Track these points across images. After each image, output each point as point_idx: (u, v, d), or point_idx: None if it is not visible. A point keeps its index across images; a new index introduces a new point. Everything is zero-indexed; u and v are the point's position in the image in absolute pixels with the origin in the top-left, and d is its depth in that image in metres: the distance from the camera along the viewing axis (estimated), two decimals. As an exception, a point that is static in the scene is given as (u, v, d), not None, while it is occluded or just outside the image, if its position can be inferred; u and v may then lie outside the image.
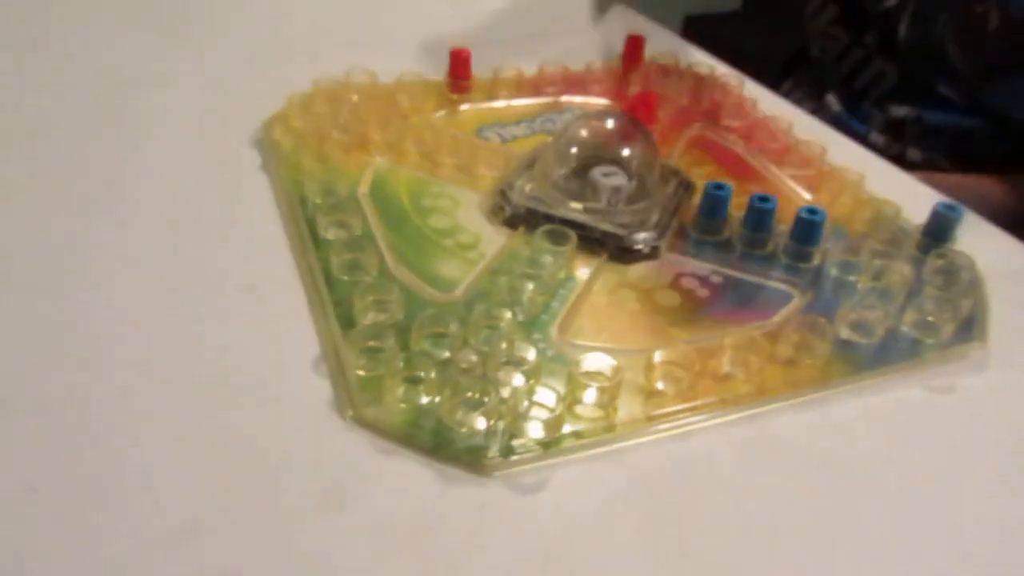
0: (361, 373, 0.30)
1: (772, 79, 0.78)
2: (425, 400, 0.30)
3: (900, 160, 0.64)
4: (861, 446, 0.31)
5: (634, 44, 0.53)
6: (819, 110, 0.70)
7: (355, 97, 0.46)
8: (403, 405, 0.29)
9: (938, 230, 0.40)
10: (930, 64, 0.63)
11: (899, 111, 0.64)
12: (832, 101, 0.69)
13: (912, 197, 0.43)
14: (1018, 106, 0.59)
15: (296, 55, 0.53)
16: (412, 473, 0.28)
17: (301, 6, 0.62)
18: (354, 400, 0.29)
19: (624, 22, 0.60)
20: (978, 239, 0.41)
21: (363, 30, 0.58)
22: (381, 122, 0.44)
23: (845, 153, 0.48)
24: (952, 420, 0.33)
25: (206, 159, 0.43)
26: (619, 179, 0.39)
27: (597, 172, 0.40)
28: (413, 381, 0.30)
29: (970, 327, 0.36)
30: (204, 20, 0.59)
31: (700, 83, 0.52)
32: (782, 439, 0.31)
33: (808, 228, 0.38)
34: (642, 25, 0.63)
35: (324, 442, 0.29)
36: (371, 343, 0.31)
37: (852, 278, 0.38)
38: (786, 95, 0.74)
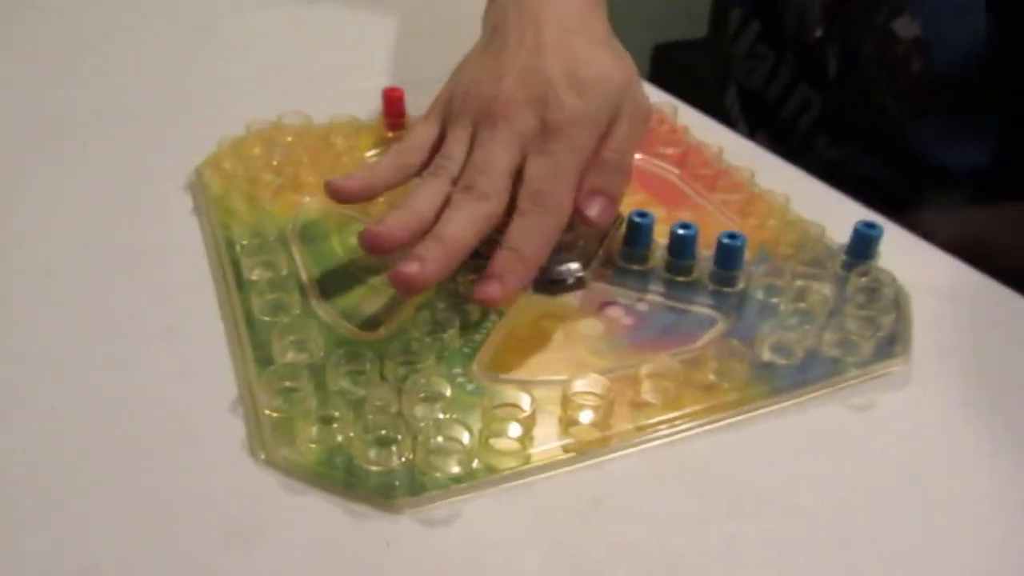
0: (273, 414, 0.30)
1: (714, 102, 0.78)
2: (339, 439, 0.30)
3: None
4: (778, 467, 0.31)
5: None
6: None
7: (288, 139, 0.47)
8: (314, 445, 0.29)
9: (860, 248, 0.40)
10: (857, 99, 0.63)
11: (829, 153, 0.64)
12: (762, 141, 0.69)
13: (840, 217, 0.44)
14: (938, 150, 0.60)
15: (230, 99, 0.54)
16: (321, 512, 0.28)
17: (235, 51, 0.62)
18: (266, 441, 0.29)
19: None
20: (903, 254, 0.42)
21: (297, 74, 0.58)
22: (313, 163, 0.45)
23: (776, 176, 0.48)
24: (872, 437, 0.33)
25: (136, 204, 0.43)
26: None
27: None
28: (327, 420, 0.30)
29: (892, 344, 0.36)
30: (138, 64, 0.59)
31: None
32: (698, 463, 0.31)
33: (729, 253, 0.39)
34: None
35: (235, 483, 0.29)
36: (287, 383, 0.31)
37: (775, 300, 0.38)
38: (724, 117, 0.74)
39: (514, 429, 0.30)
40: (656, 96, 0.55)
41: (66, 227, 0.41)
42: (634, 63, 0.42)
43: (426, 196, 0.37)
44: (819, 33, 0.63)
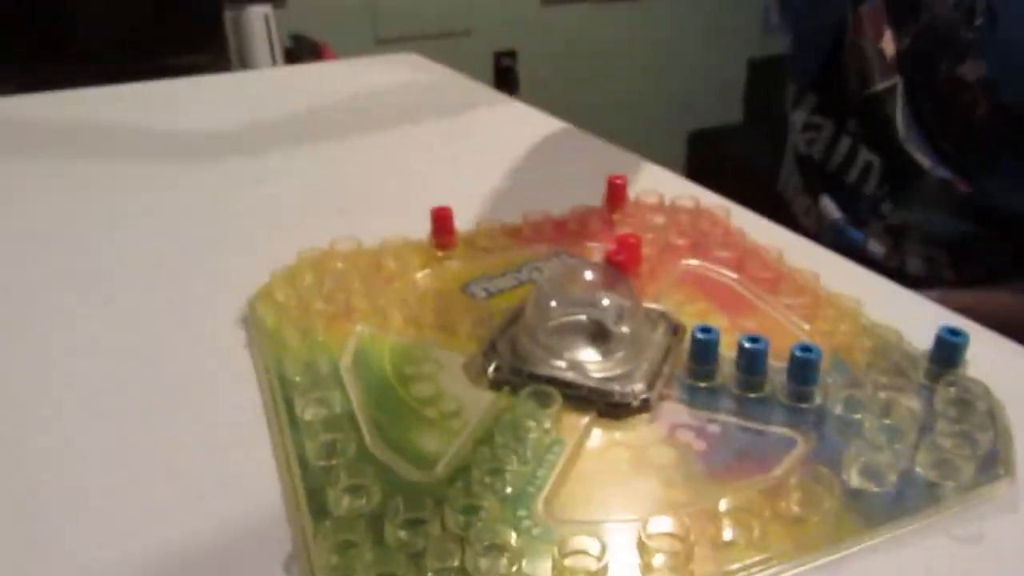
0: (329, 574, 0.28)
1: (770, 185, 0.78)
2: (401, 599, 0.28)
3: (901, 272, 0.62)
4: (884, 615, 0.28)
5: (615, 187, 0.53)
6: (814, 211, 0.69)
7: (339, 264, 0.47)
8: (375, 609, 0.27)
9: (945, 356, 0.38)
10: (929, 152, 0.61)
11: (895, 217, 0.63)
12: (828, 205, 0.67)
13: (914, 319, 0.42)
14: (1012, 195, 0.57)
15: (281, 229, 0.54)
16: None
17: (285, 181, 0.63)
18: (323, 607, 0.28)
19: (605, 159, 0.60)
20: (992, 359, 0.39)
21: (346, 199, 0.59)
22: (364, 288, 0.44)
23: (841, 274, 0.46)
24: (984, 573, 0.30)
25: (189, 342, 0.43)
26: (625, 324, 0.38)
27: (603, 321, 0.39)
28: (387, 579, 0.28)
29: (993, 463, 0.33)
30: (189, 202, 0.61)
31: (686, 217, 0.52)
32: (794, 614, 0.28)
33: (803, 367, 0.36)
34: (623, 160, 0.63)
35: (292, 657, 0.27)
36: (345, 537, 0.30)
37: (857, 416, 0.36)
38: (783, 186, 0.73)
39: (588, 580, 0.28)
40: (707, 198, 0.54)
41: (116, 369, 0.41)
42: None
43: None
44: (880, 86, 0.62)
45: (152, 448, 0.36)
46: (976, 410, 0.35)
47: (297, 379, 0.38)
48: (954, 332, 0.38)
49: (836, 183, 0.67)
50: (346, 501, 0.32)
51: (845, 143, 0.66)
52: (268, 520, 0.32)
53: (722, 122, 1.97)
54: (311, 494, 0.32)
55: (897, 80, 0.61)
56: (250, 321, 0.43)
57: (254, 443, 0.36)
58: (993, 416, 0.35)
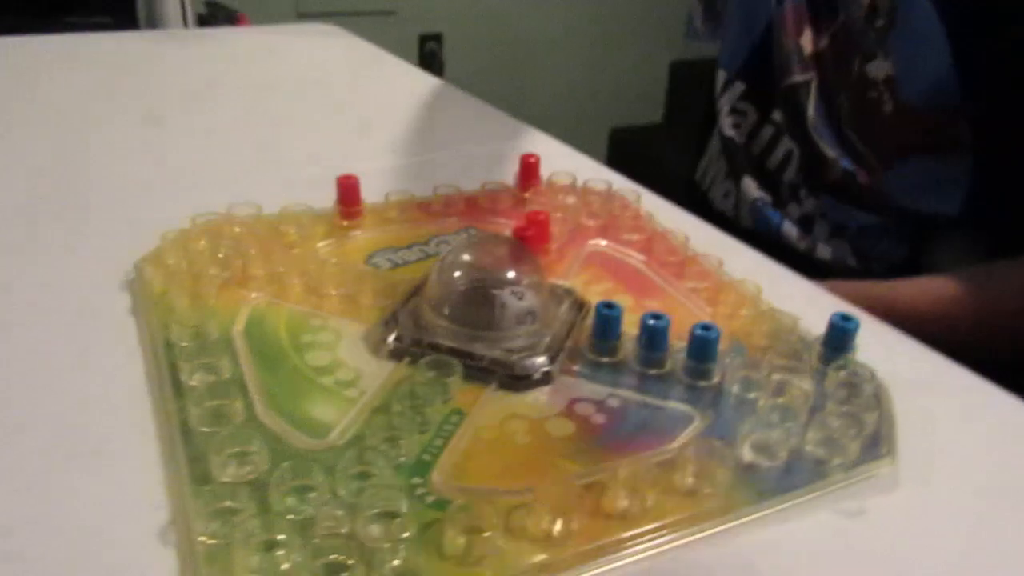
0: (208, 541, 0.27)
1: (687, 183, 0.79)
2: (284, 567, 0.26)
3: (810, 256, 0.64)
4: (769, 584, 0.28)
5: (528, 165, 0.53)
6: (733, 194, 0.71)
7: (236, 230, 0.44)
8: (254, 576, 0.26)
9: (837, 341, 0.39)
10: (835, 144, 0.63)
11: (809, 203, 0.65)
12: (749, 185, 0.69)
13: (811, 306, 0.43)
14: (912, 193, 0.60)
15: (177, 192, 0.52)
16: (261, 659, 0.24)
17: (183, 141, 0.60)
18: (199, 574, 0.26)
19: (521, 141, 0.60)
20: (882, 346, 0.41)
21: (246, 165, 0.56)
22: (263, 255, 0.42)
23: (744, 261, 0.47)
24: (864, 546, 0.30)
25: (69, 305, 0.40)
26: (529, 298, 0.38)
27: (506, 294, 0.38)
28: (270, 546, 0.27)
29: (877, 444, 0.34)
30: (80, 154, 0.57)
31: (597, 200, 0.52)
32: (683, 583, 0.28)
33: (703, 345, 0.37)
34: (539, 141, 0.63)
35: (162, 628, 0.25)
36: (227, 503, 0.28)
37: (753, 395, 0.36)
38: (702, 175, 0.75)
39: (479, 548, 0.27)
40: (619, 182, 0.55)
41: (-11, 328, 0.38)
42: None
43: None
44: (796, 79, 0.64)
45: (30, 411, 0.33)
46: (863, 393, 0.36)
47: (184, 344, 0.36)
48: (846, 318, 0.39)
49: (758, 166, 0.68)
50: (231, 469, 0.30)
51: (768, 131, 0.68)
52: (146, 488, 0.30)
53: (643, 121, 2.00)
54: (193, 461, 0.30)
55: (812, 76, 0.63)
56: (136, 285, 0.41)
57: (135, 410, 0.33)
58: (879, 399, 0.36)
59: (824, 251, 0.64)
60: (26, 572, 0.26)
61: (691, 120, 0.89)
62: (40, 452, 0.31)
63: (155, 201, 0.50)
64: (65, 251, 0.45)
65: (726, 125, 0.72)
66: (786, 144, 0.67)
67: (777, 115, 0.68)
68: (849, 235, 0.63)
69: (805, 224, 0.65)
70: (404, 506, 0.28)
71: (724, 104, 0.73)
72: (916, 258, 0.61)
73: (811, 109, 0.64)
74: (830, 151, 0.63)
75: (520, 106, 0.68)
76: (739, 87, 0.72)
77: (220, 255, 0.42)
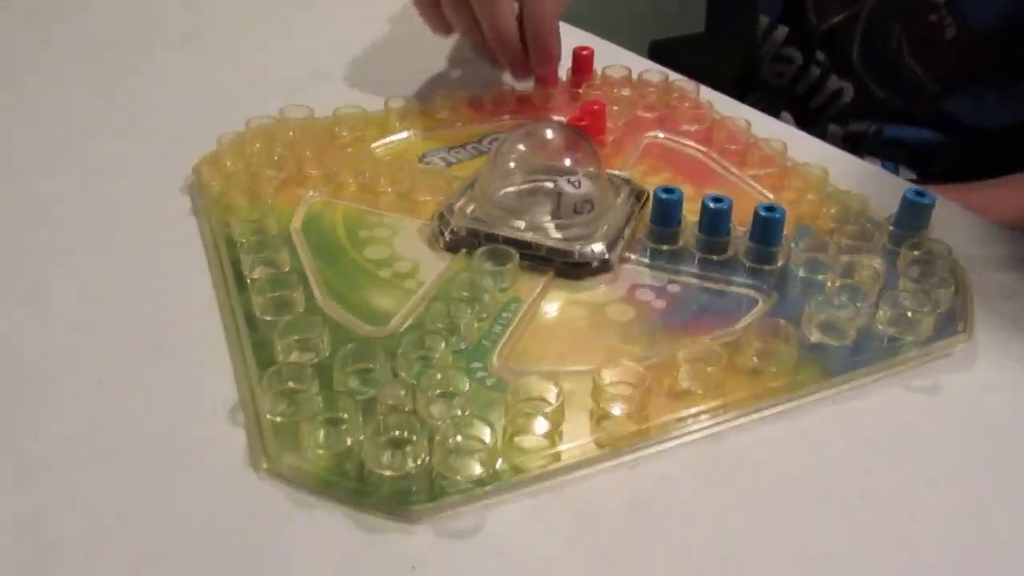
0: (276, 419, 0.28)
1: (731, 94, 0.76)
2: (349, 443, 0.27)
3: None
4: (837, 460, 0.28)
5: (582, 58, 0.51)
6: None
7: (291, 133, 0.44)
8: (321, 451, 0.26)
9: (910, 219, 0.37)
10: (887, 79, 0.60)
11: (859, 126, 0.62)
12: (787, 118, 0.66)
13: (880, 189, 0.41)
14: (979, 116, 0.57)
15: (230, 99, 0.51)
16: (332, 529, 0.25)
17: (232, 52, 0.60)
18: (268, 450, 0.27)
19: (574, 42, 0.58)
20: (954, 226, 0.39)
21: (297, 71, 0.56)
22: (317, 156, 0.42)
23: (807, 150, 0.45)
24: (939, 423, 0.29)
25: (132, 207, 0.41)
26: (586, 187, 0.37)
27: (563, 182, 0.37)
28: (334, 423, 0.27)
29: (952, 320, 0.33)
30: (133, 68, 0.57)
31: (654, 91, 0.50)
32: (748, 458, 0.28)
33: (767, 226, 0.35)
34: (592, 42, 0.61)
35: (236, 500, 0.26)
36: (291, 385, 0.29)
37: (820, 277, 0.35)
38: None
39: (541, 425, 0.28)
40: (675, 76, 0.52)
41: (59, 236, 0.39)
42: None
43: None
44: (839, 17, 0.61)
45: (99, 316, 0.34)
46: (938, 269, 0.35)
47: (244, 240, 0.36)
48: (920, 193, 0.37)
49: (798, 104, 0.66)
50: (295, 354, 0.30)
51: (814, 72, 0.65)
52: (213, 375, 0.30)
53: (684, 32, 1.92)
54: (258, 347, 0.31)
55: (858, 9, 0.60)
56: (195, 188, 0.41)
57: (200, 303, 0.34)
58: (954, 275, 0.35)
59: (873, 164, 0.61)
60: (108, 456, 0.27)
61: (733, 29, 0.84)
62: (113, 347, 0.32)
63: (208, 109, 0.50)
64: (125, 161, 0.45)
65: (770, 74, 0.69)
66: (835, 83, 0.64)
67: (821, 55, 0.65)
68: (903, 151, 0.60)
69: (852, 144, 0.61)
70: (465, 386, 0.28)
71: (767, 51, 0.69)
72: (978, 166, 0.57)
73: (856, 48, 0.60)
74: (879, 91, 0.59)
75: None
76: (782, 31, 0.68)
77: (275, 156, 0.42)
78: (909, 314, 0.32)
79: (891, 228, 0.37)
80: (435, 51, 0.58)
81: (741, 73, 0.75)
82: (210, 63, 0.58)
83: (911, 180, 0.60)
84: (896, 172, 0.60)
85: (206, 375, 0.31)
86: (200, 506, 0.26)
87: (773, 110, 0.68)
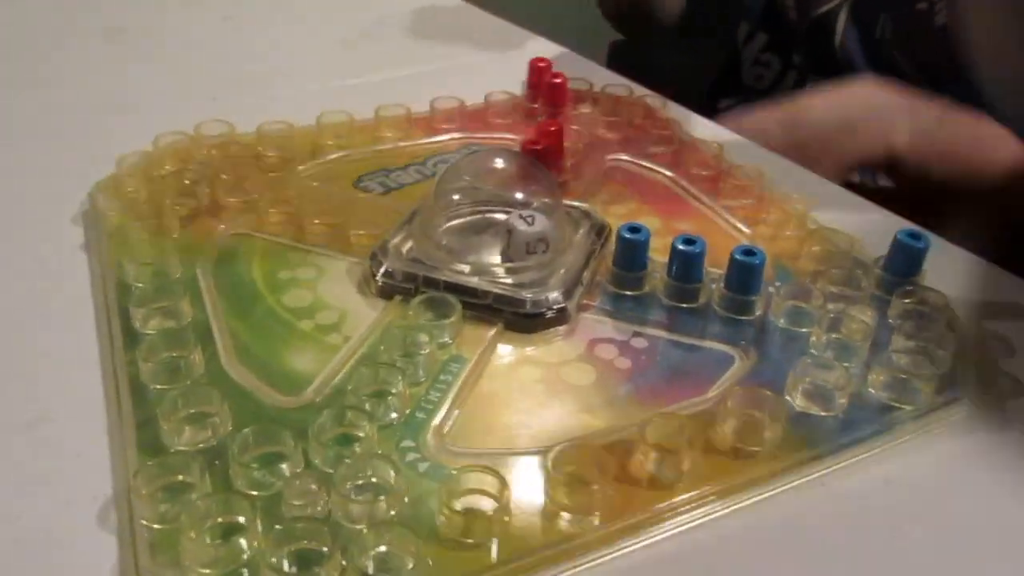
0: (153, 525, 0.22)
1: (700, 103, 0.74)
2: (245, 557, 0.22)
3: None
4: (828, 553, 0.24)
5: (538, 69, 0.46)
6: None
7: (206, 152, 0.39)
8: (208, 570, 0.21)
9: (902, 264, 0.33)
10: (872, 70, 0.57)
11: None
12: None
13: (868, 225, 0.37)
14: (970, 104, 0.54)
15: (139, 112, 0.46)
16: (217, 671, 0.20)
17: (147, 56, 0.54)
18: (141, 566, 0.22)
19: (529, 50, 0.53)
20: (949, 271, 0.35)
21: (218, 81, 0.50)
22: (236, 181, 0.37)
23: (788, 174, 0.41)
24: (941, 504, 0.25)
25: (13, 241, 0.35)
26: (541, 223, 0.32)
27: (514, 218, 0.32)
28: (228, 531, 0.22)
29: (952, 382, 0.29)
30: (34, 70, 0.51)
31: (617, 107, 0.46)
32: (727, 555, 0.23)
33: (745, 273, 0.31)
34: (546, 50, 0.56)
35: (99, 632, 0.21)
36: (178, 477, 0.24)
37: (804, 330, 0.31)
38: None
39: (483, 526, 0.23)
40: (638, 90, 0.48)
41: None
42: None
43: None
44: (823, 8, 0.58)
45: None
46: (935, 323, 0.31)
47: (139, 285, 0.31)
48: (914, 236, 0.33)
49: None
50: (187, 433, 0.25)
51: (791, 77, 0.64)
52: (88, 460, 0.25)
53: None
54: (142, 426, 0.26)
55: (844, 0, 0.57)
56: (89, 217, 0.36)
57: (82, 365, 0.29)
58: (954, 330, 0.31)
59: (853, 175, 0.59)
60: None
61: (700, 25, 0.82)
62: (-28, 416, 0.27)
63: (114, 121, 0.45)
64: (12, 178, 0.40)
65: (749, 77, 0.67)
66: (813, 83, 0.61)
67: (798, 59, 0.62)
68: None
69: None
70: (392, 477, 0.23)
71: (747, 55, 0.67)
72: None
73: (838, 36, 0.58)
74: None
75: (506, 17, 0.61)
76: (762, 38, 0.66)
77: (187, 181, 0.37)
78: (904, 377, 0.28)
79: (881, 273, 0.33)
80: (375, 59, 0.53)
81: (720, 75, 0.72)
82: (128, 64, 0.52)
83: (906, 219, 0.57)
84: (874, 180, 0.57)
85: (77, 458, 0.25)
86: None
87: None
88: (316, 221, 0.36)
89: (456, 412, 0.27)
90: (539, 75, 0.46)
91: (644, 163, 0.42)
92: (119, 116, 0.45)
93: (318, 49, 0.55)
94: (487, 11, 0.63)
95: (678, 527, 0.24)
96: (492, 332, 0.31)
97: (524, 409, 0.28)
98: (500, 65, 0.51)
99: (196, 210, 0.36)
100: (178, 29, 0.58)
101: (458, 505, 0.23)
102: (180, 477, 0.24)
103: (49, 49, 0.54)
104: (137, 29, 0.57)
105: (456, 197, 0.34)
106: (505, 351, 0.30)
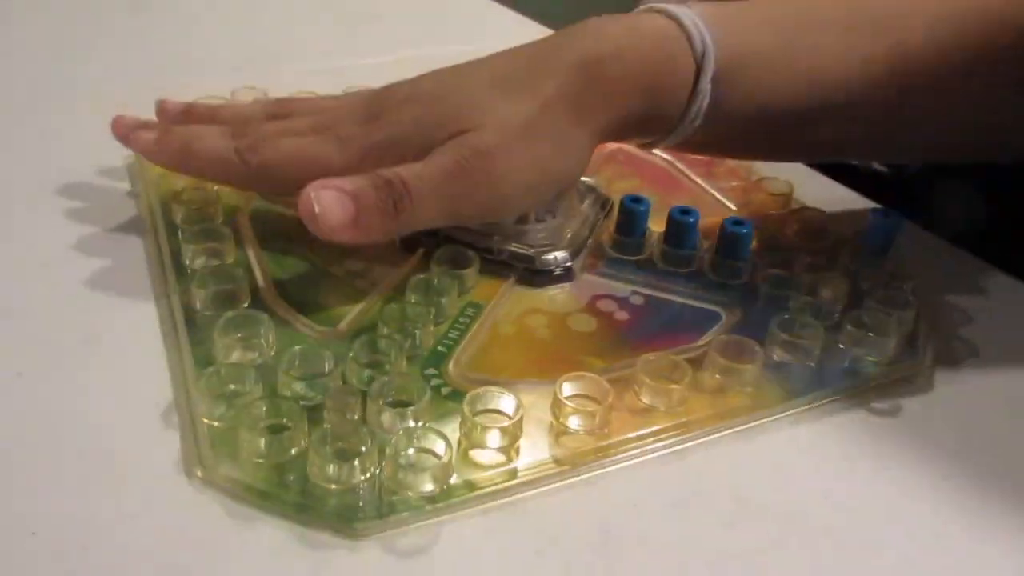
0: (213, 423, 0.26)
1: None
2: (292, 452, 0.25)
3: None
4: (799, 482, 0.27)
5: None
6: None
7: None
8: (262, 460, 0.25)
9: (875, 240, 0.37)
10: None
11: None
12: None
13: (846, 206, 0.41)
14: None
15: (177, 76, 0.49)
16: (271, 545, 0.23)
17: (182, 24, 0.57)
18: (203, 457, 0.25)
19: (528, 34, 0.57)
20: (918, 248, 0.39)
21: (254, 49, 0.53)
22: (270, 142, 0.40)
23: (775, 168, 0.45)
24: (899, 446, 0.29)
25: (64, 183, 0.38)
26: None
27: None
28: (277, 431, 0.25)
29: (914, 344, 0.33)
30: (72, 45, 0.54)
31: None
32: (708, 478, 0.27)
33: (734, 241, 0.35)
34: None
35: (167, 511, 0.24)
36: (231, 387, 0.27)
37: (785, 294, 0.34)
38: None
39: (498, 439, 0.26)
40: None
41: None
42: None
43: None
44: None
45: (30, 299, 0.31)
46: (902, 292, 0.34)
47: (186, 227, 0.34)
48: (885, 214, 0.37)
49: None
50: (236, 354, 0.29)
51: None
52: (145, 375, 0.28)
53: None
54: (196, 344, 0.29)
55: None
56: (136, 168, 0.39)
57: (135, 293, 0.32)
58: (917, 298, 0.34)
59: None
60: (25, 458, 0.25)
61: None
62: (39, 339, 0.30)
63: (155, 84, 0.47)
64: (62, 134, 0.43)
65: None
66: None
67: None
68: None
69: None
70: (421, 395, 0.27)
71: None
72: None
73: None
74: None
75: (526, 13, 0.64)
76: None
77: (224, 141, 0.40)
78: (871, 335, 0.32)
79: (856, 248, 0.37)
80: (397, 39, 0.56)
81: None
82: (159, 33, 0.55)
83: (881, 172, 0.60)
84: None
85: (138, 372, 0.28)
86: (128, 516, 0.24)
87: None
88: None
89: (473, 349, 0.31)
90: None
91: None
92: (160, 78, 0.48)
93: (344, 24, 0.58)
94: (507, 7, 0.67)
95: (666, 449, 0.28)
96: (505, 285, 0.34)
97: (533, 349, 0.31)
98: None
99: (234, 167, 0.39)
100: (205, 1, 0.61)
101: (478, 418, 0.26)
102: (233, 386, 0.27)
103: (86, 14, 0.57)
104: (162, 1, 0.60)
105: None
106: (516, 301, 0.33)
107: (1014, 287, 0.38)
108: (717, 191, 0.42)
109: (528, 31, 0.62)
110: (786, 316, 0.32)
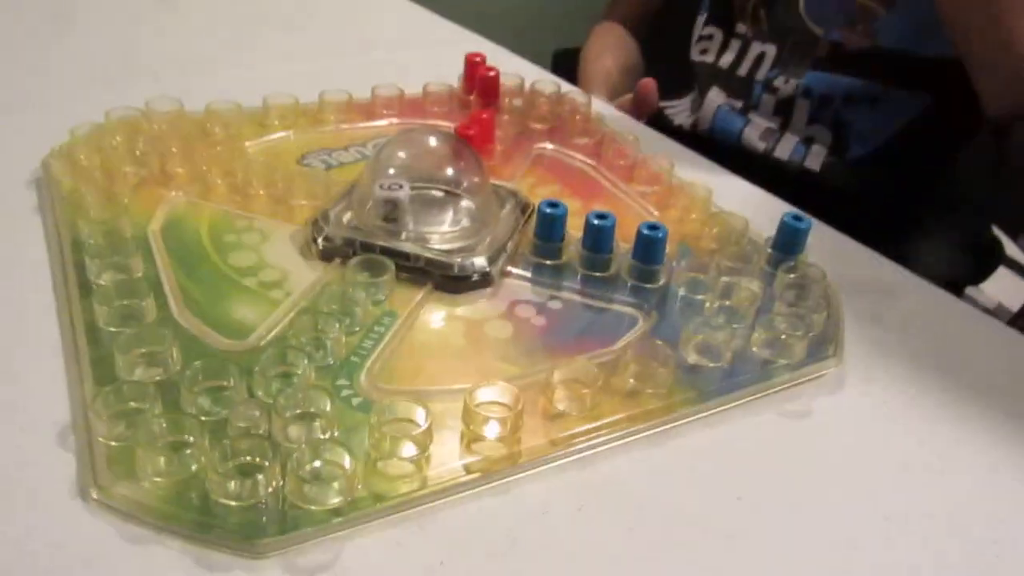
0: (110, 443, 0.25)
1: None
2: (193, 468, 0.25)
3: (767, 158, 0.62)
4: (709, 485, 0.27)
5: (474, 64, 0.50)
6: (698, 103, 0.68)
7: (156, 127, 0.41)
8: (160, 479, 0.24)
9: (787, 242, 0.37)
10: (823, 16, 0.60)
11: (787, 89, 0.62)
12: (716, 94, 0.66)
13: (762, 209, 0.41)
14: (909, 37, 0.58)
15: (89, 87, 0.47)
16: (168, 567, 0.23)
17: (100, 35, 0.56)
18: (99, 478, 0.24)
19: (465, 46, 0.57)
20: (829, 250, 0.40)
21: (168, 62, 0.52)
22: (185, 153, 0.39)
23: (694, 166, 0.46)
24: (809, 447, 0.30)
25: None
26: (402, 191, 0.35)
27: (376, 187, 0.35)
28: (177, 448, 0.25)
29: (824, 344, 0.33)
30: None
31: (545, 102, 0.49)
32: (621, 483, 0.27)
33: (650, 245, 0.35)
34: (484, 48, 0.60)
35: (63, 532, 0.23)
36: (132, 405, 0.26)
37: (700, 297, 0.35)
38: (666, 96, 0.73)
39: (408, 449, 0.26)
40: (567, 89, 0.52)
41: None
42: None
43: None
44: None
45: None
46: (812, 294, 0.35)
47: (93, 242, 0.33)
48: (797, 218, 0.37)
49: (726, 76, 0.66)
50: (139, 370, 0.28)
51: (735, 44, 0.67)
52: (46, 391, 0.27)
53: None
54: (97, 362, 0.28)
55: None
56: (43, 183, 0.38)
57: (37, 309, 0.31)
58: (827, 300, 0.35)
59: (783, 151, 0.62)
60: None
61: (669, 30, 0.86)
62: (-70, 355, 0.29)
63: (66, 95, 0.46)
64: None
65: (695, 52, 0.70)
66: (756, 48, 0.65)
67: (742, 27, 0.66)
68: (834, 108, 0.61)
69: (785, 108, 0.62)
70: (327, 406, 0.26)
71: (694, 33, 0.71)
72: (896, 139, 0.59)
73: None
74: (816, 28, 0.60)
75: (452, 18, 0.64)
76: (703, 16, 0.70)
77: (137, 152, 0.39)
78: (783, 337, 0.33)
79: (769, 251, 0.38)
80: (320, 47, 0.55)
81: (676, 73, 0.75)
82: (77, 42, 0.54)
83: (809, 171, 0.61)
84: (801, 160, 0.61)
85: (37, 391, 0.27)
86: (18, 539, 0.23)
87: (700, 86, 0.69)
88: (261, 191, 0.39)
89: (387, 358, 0.30)
90: (474, 69, 0.50)
91: (568, 152, 0.46)
92: (73, 90, 0.47)
93: (263, 33, 0.57)
94: (431, 11, 0.67)
95: (579, 454, 0.28)
96: (422, 292, 0.34)
97: (448, 357, 0.31)
98: (439, 60, 0.54)
99: (146, 178, 0.38)
100: (127, 11, 0.59)
101: (387, 428, 0.26)
102: (133, 404, 0.26)
103: (4, 21, 0.55)
104: (86, 7, 0.59)
105: (391, 171, 0.37)
106: (433, 308, 0.33)
107: (923, 287, 0.39)
108: (638, 196, 0.43)
109: (459, 36, 0.62)
110: (699, 319, 0.33)
